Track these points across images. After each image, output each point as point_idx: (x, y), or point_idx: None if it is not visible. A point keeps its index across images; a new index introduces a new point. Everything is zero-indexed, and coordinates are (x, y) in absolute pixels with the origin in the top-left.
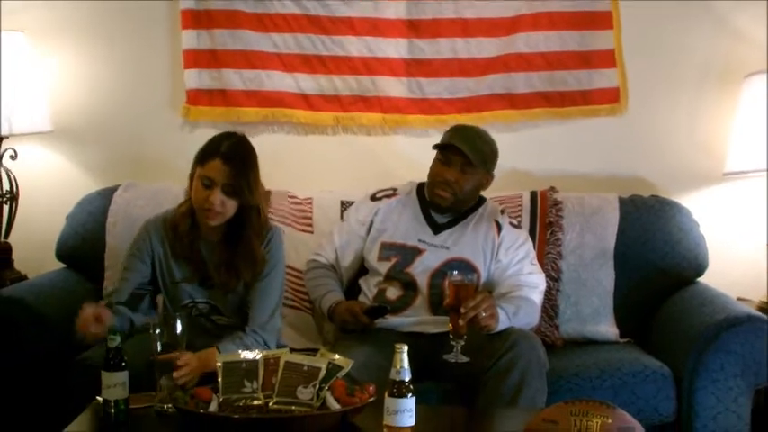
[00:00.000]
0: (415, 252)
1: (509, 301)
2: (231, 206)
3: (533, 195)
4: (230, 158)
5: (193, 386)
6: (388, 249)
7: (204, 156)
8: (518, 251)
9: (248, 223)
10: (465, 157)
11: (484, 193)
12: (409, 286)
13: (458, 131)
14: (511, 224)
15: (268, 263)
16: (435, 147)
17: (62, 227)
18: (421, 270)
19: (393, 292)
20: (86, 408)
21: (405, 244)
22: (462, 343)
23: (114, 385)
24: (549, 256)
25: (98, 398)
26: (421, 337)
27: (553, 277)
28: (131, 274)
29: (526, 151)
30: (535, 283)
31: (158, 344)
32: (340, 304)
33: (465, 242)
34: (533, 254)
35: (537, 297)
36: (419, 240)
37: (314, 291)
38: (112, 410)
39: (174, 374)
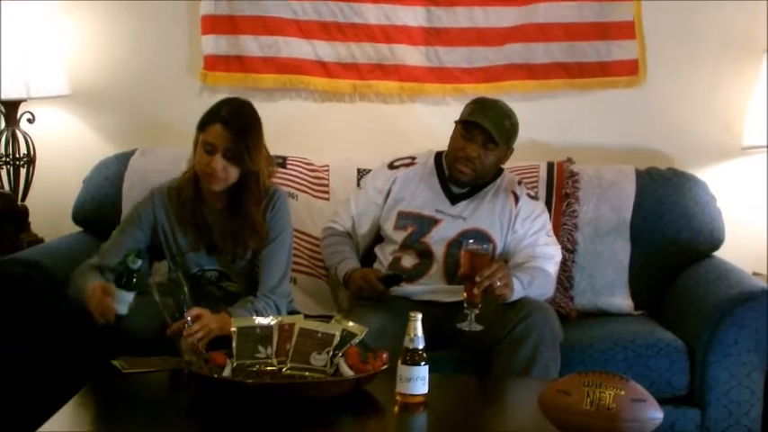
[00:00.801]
0: (431, 222)
1: (524, 272)
2: (233, 172)
3: (550, 166)
4: (230, 123)
5: (206, 348)
6: (404, 218)
7: (205, 121)
8: (534, 222)
9: (248, 191)
10: (488, 133)
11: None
12: (425, 255)
13: (480, 107)
14: (528, 195)
15: (274, 227)
16: (458, 122)
17: (78, 190)
18: (437, 239)
19: (408, 261)
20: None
21: (421, 213)
22: (477, 312)
23: (120, 302)
24: (564, 228)
25: (112, 361)
26: (435, 305)
27: (568, 249)
28: (125, 238)
29: (544, 122)
30: (550, 255)
31: (168, 315)
32: (355, 271)
33: (482, 213)
34: (549, 225)
35: (552, 268)
36: (436, 210)
37: (330, 258)
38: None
39: (186, 332)
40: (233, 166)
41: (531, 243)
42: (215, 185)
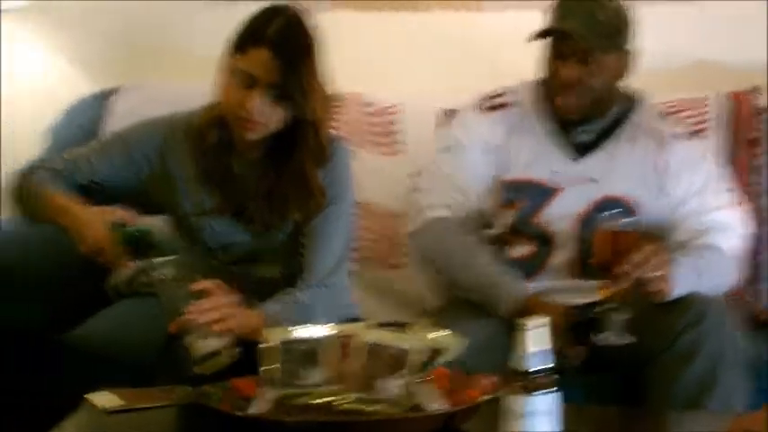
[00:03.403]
0: (547, 191)
1: (691, 254)
2: (277, 115)
3: (726, 99)
4: (282, 47)
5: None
6: (510, 190)
7: (243, 41)
8: (695, 174)
9: (302, 141)
10: (578, 41)
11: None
12: (542, 240)
13: (564, 6)
14: (680, 134)
15: (329, 191)
16: (533, 38)
17: (41, 146)
18: (559, 216)
19: (519, 250)
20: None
21: (531, 180)
22: (622, 317)
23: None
24: (750, 189)
25: (87, 396)
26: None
27: (755, 220)
28: (102, 163)
29: (716, 34)
30: (727, 223)
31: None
32: (538, 306)
33: (619, 169)
34: (719, 175)
35: (732, 243)
36: (552, 171)
37: (466, 271)
38: None
39: (191, 310)
40: (278, 107)
41: (696, 208)
42: (250, 132)
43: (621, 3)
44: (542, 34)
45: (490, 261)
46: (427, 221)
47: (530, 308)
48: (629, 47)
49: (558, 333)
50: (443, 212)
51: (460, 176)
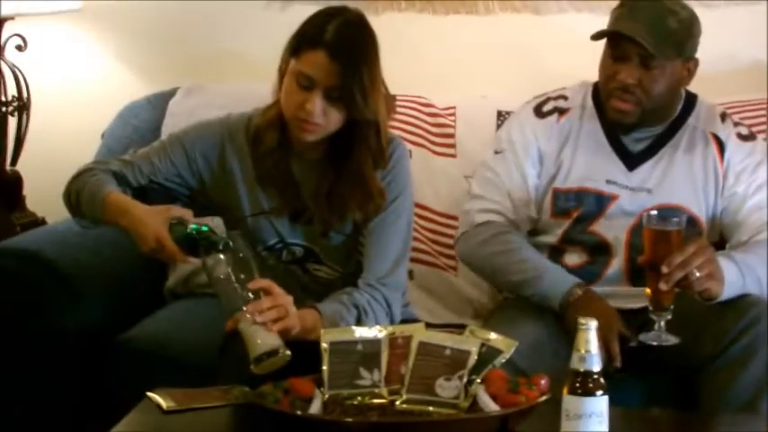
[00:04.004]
0: (603, 199)
1: (745, 251)
2: (336, 117)
3: None
4: (339, 50)
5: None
6: (564, 198)
7: (301, 43)
8: (756, 173)
9: (362, 142)
10: (643, 45)
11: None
12: (598, 249)
13: (628, 8)
14: (738, 135)
15: (388, 192)
16: (594, 37)
17: (96, 149)
18: (614, 225)
19: (574, 259)
20: (137, 404)
21: (587, 189)
22: (668, 317)
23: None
24: None
25: (149, 394)
26: (618, 313)
27: None
28: (163, 163)
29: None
30: None
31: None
32: (593, 299)
33: (674, 178)
34: None
35: None
36: (608, 182)
37: (509, 269)
38: None
39: (250, 308)
40: (337, 109)
41: (757, 205)
42: (308, 134)
43: (690, 10)
44: (608, 36)
45: (538, 255)
46: (473, 226)
47: (583, 299)
48: (694, 55)
49: (608, 334)
50: (491, 217)
51: (511, 181)
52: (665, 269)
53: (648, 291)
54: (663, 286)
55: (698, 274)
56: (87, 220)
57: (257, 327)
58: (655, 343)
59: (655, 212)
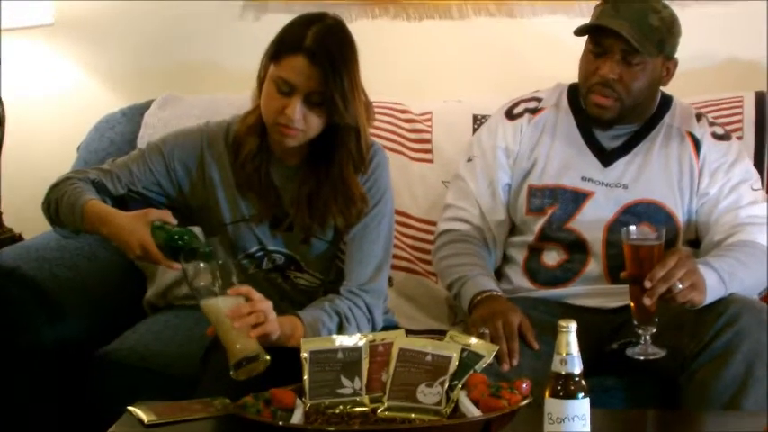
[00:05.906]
0: (579, 196)
1: (721, 256)
2: (316, 122)
3: (760, 99)
4: (320, 55)
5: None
6: (540, 196)
7: (281, 49)
8: (730, 173)
9: (342, 147)
10: (626, 40)
11: (670, 91)
12: (575, 248)
13: (612, 4)
14: (714, 135)
15: (369, 197)
16: (578, 32)
17: (72, 162)
18: (590, 222)
19: (553, 257)
20: (118, 418)
21: (563, 186)
22: (653, 330)
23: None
24: None
25: (130, 408)
26: (596, 313)
27: None
28: (142, 172)
29: (748, 32)
30: (763, 217)
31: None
32: (495, 299)
33: (650, 175)
34: (755, 175)
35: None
36: (583, 179)
37: (447, 273)
38: None
39: (231, 313)
40: (317, 115)
41: (732, 204)
42: (289, 139)
43: (671, 10)
44: (592, 30)
45: (473, 262)
46: (438, 233)
47: (486, 300)
48: (673, 56)
49: (512, 334)
50: (454, 225)
51: (479, 188)
52: (647, 284)
53: (632, 305)
54: (647, 301)
55: (680, 286)
56: (67, 230)
57: (237, 332)
58: (642, 357)
59: (634, 227)
